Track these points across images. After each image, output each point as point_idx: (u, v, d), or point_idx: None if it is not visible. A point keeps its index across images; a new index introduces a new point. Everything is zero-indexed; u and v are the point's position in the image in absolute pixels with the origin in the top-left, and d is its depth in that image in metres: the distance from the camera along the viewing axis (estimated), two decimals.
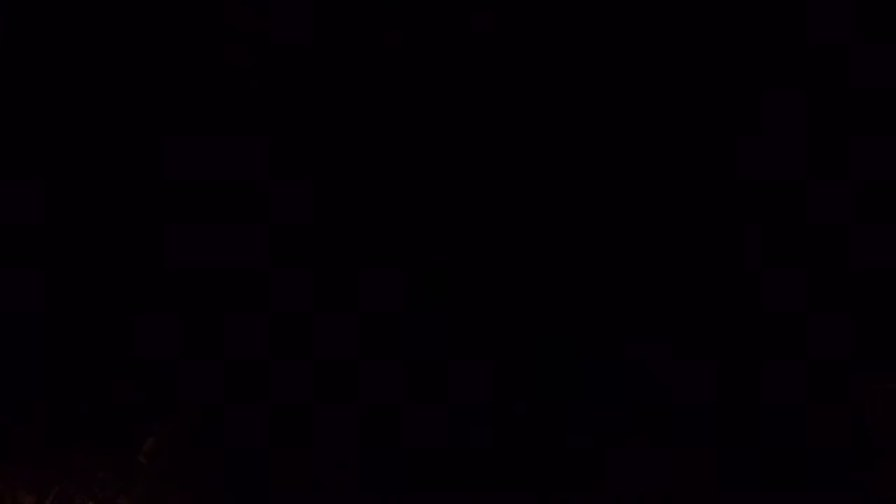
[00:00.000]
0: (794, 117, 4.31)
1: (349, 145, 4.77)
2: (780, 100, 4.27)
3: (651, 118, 4.44)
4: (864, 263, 4.42)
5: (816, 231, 4.47)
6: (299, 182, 4.83)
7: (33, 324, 5.27)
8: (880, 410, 4.46)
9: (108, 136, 4.60)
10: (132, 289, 5.26)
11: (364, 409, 5.19)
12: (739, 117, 4.38)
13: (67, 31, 4.42)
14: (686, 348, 4.80)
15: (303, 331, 5.05)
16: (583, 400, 4.94)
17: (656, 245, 4.72)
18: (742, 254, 4.62)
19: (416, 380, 5.07)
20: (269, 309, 5.24)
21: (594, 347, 4.89)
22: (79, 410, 5.94)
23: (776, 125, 4.37)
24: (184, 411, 5.93)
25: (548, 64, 4.33)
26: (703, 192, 4.58)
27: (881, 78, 4.08)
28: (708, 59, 4.23)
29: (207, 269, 5.05)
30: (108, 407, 5.95)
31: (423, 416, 5.13)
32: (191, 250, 5.03)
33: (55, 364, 5.88)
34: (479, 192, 4.73)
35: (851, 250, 4.43)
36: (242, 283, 5.19)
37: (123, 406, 5.96)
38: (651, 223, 4.71)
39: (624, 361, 4.88)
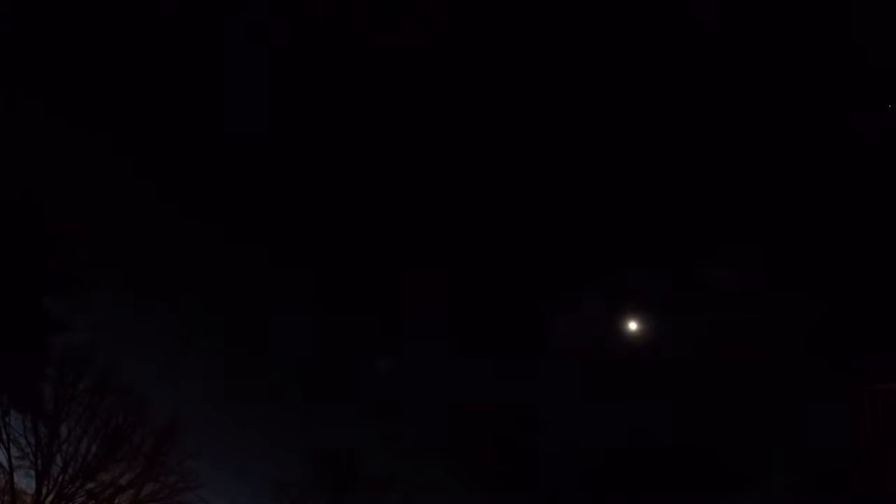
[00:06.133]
0: None
1: None
2: None
3: None
4: (864, 265, 4.41)
5: (813, 233, 4.45)
6: None
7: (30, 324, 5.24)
8: (880, 410, 4.43)
9: None
10: (136, 291, 5.23)
11: None
12: None
13: None
14: (682, 348, 4.78)
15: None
16: None
17: None
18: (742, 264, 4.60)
19: None
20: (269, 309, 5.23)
21: None
22: (78, 410, 5.91)
23: None
24: (185, 413, 5.89)
25: None
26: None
27: None
28: None
29: (205, 269, 5.02)
30: (111, 407, 5.93)
31: None
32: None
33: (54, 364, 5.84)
34: None
35: (851, 252, 4.42)
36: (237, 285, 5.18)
37: (127, 406, 5.93)
38: None
39: None
